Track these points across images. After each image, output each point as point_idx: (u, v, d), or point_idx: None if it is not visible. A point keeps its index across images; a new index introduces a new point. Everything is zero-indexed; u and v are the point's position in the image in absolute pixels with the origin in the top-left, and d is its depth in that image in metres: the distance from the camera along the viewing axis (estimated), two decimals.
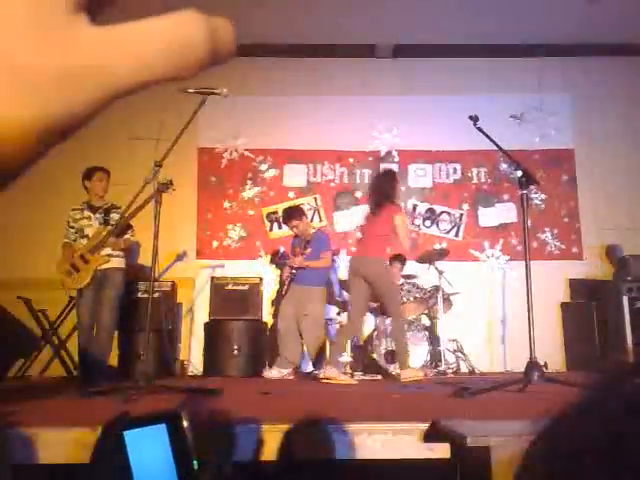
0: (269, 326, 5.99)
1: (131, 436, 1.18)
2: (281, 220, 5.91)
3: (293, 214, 5.35)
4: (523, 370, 3.19)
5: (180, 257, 6.32)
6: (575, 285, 6.38)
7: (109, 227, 4.47)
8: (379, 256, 4.53)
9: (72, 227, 4.60)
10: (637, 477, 0.29)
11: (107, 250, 4.49)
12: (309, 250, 5.13)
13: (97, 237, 4.48)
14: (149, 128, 6.37)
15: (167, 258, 6.09)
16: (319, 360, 5.16)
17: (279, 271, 6.11)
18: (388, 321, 5.49)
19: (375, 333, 5.47)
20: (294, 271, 5.23)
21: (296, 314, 5.13)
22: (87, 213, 4.60)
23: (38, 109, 0.23)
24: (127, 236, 4.56)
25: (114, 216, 4.57)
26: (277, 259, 6.41)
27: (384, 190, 4.64)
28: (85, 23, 0.24)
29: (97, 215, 4.59)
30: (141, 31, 0.24)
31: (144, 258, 6.01)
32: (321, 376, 4.49)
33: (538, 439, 0.37)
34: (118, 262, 4.58)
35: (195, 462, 1.18)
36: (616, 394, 0.35)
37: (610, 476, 0.30)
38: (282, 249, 6.44)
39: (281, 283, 5.61)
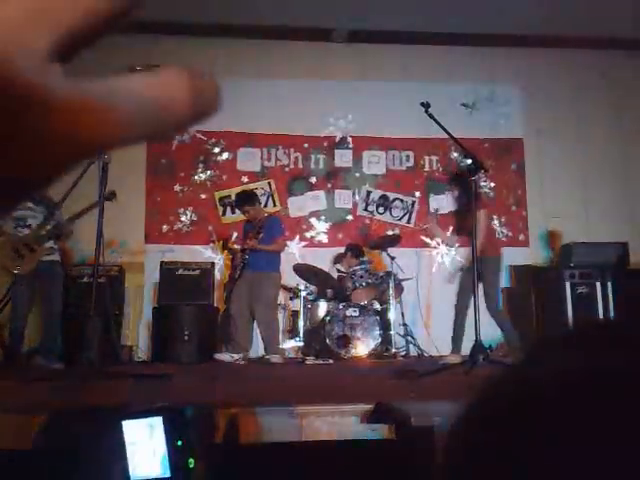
0: (221, 311, 5.93)
1: (129, 426, 1.15)
2: (234, 204, 5.82)
3: (246, 199, 5.29)
4: (469, 353, 3.27)
5: (122, 244, 6.13)
6: (520, 271, 6.58)
7: (52, 222, 4.69)
8: (487, 255, 4.52)
9: None
10: (556, 448, 0.29)
11: (50, 243, 4.67)
12: (261, 235, 5.09)
13: (40, 229, 4.64)
14: None
15: (114, 243, 5.93)
16: (271, 345, 5.14)
17: (231, 256, 6.04)
18: (341, 306, 5.54)
19: (328, 318, 5.50)
20: (247, 257, 5.19)
21: (249, 300, 5.09)
22: (31, 205, 4.68)
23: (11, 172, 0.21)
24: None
25: (55, 212, 4.76)
26: (229, 244, 6.34)
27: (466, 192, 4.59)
28: (58, 75, 0.21)
29: (41, 208, 4.71)
30: (119, 89, 0.22)
31: (85, 243, 5.84)
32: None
33: (462, 414, 0.37)
34: (57, 256, 4.82)
35: (192, 460, 1.16)
36: (536, 366, 0.35)
37: (529, 446, 0.30)
38: (234, 235, 6.37)
39: (233, 268, 5.56)
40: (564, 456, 0.28)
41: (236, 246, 5.62)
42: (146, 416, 1.17)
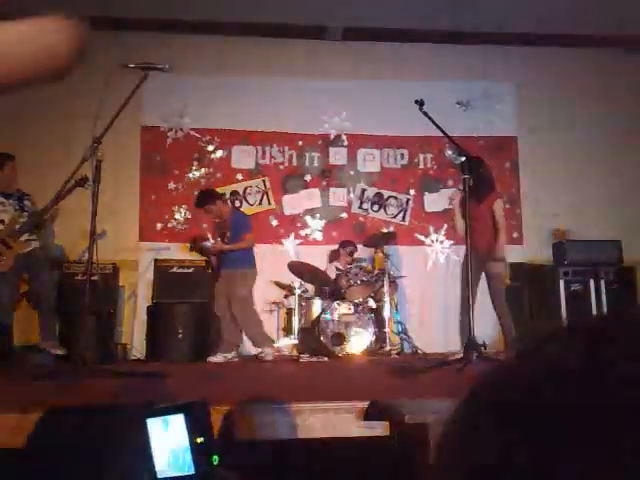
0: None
1: (153, 423, 1.16)
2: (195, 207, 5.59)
3: (204, 199, 5.17)
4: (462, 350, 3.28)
5: (99, 236, 6.05)
6: (514, 269, 6.59)
7: (24, 213, 4.59)
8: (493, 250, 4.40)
9: None
10: (553, 447, 0.29)
11: (25, 235, 4.58)
12: (228, 234, 5.06)
13: (14, 223, 4.53)
14: (88, 105, 6.12)
15: (107, 241, 5.90)
16: (257, 339, 5.09)
17: (206, 257, 5.97)
18: (336, 304, 5.53)
19: (322, 316, 5.50)
20: (222, 256, 5.18)
21: (228, 298, 5.05)
22: (4, 199, 4.59)
23: None
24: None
25: (27, 203, 4.67)
26: (195, 246, 6.24)
27: (486, 179, 4.50)
28: None
29: (11, 201, 4.61)
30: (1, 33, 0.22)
31: (73, 238, 5.84)
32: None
33: (456, 412, 0.37)
34: (36, 244, 4.73)
35: (216, 457, 1.16)
36: (531, 362, 0.35)
37: (525, 445, 0.30)
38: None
39: (212, 269, 5.54)
40: (561, 455, 0.28)
41: (204, 246, 5.53)
42: (168, 414, 1.18)
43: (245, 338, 5.28)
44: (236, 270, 5.02)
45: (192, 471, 1.14)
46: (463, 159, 3.59)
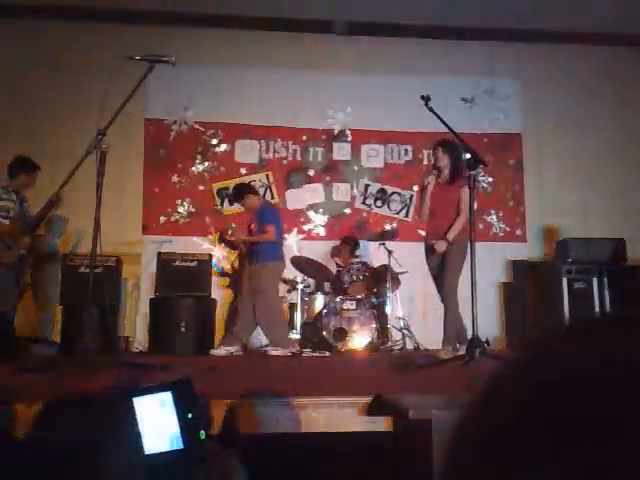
0: (218, 304, 5.91)
1: (140, 402, 1.17)
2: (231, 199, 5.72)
3: (238, 192, 5.23)
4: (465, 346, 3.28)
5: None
6: (517, 266, 6.58)
7: (23, 217, 4.67)
8: (463, 238, 4.05)
9: None
10: (569, 441, 0.28)
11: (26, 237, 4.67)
12: (253, 225, 5.06)
13: (17, 222, 4.60)
14: (93, 96, 6.11)
15: (111, 234, 5.90)
16: (275, 337, 5.02)
17: (236, 249, 6.00)
18: (338, 299, 5.54)
19: (325, 311, 5.51)
20: (251, 248, 5.17)
21: (251, 292, 5.01)
22: (14, 196, 4.67)
23: None
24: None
25: (25, 206, 4.75)
26: (221, 238, 6.29)
27: (460, 166, 4.17)
28: None
29: (18, 200, 4.71)
30: None
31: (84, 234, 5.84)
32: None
33: (471, 406, 0.36)
34: (24, 251, 4.77)
35: (203, 432, 1.17)
36: (549, 360, 0.34)
37: (544, 443, 0.29)
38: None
39: (240, 261, 5.56)
40: (579, 458, 0.27)
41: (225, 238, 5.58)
42: (155, 392, 1.20)
43: (259, 334, 5.27)
44: (258, 263, 4.98)
45: (181, 445, 1.15)
46: (468, 156, 3.57)
